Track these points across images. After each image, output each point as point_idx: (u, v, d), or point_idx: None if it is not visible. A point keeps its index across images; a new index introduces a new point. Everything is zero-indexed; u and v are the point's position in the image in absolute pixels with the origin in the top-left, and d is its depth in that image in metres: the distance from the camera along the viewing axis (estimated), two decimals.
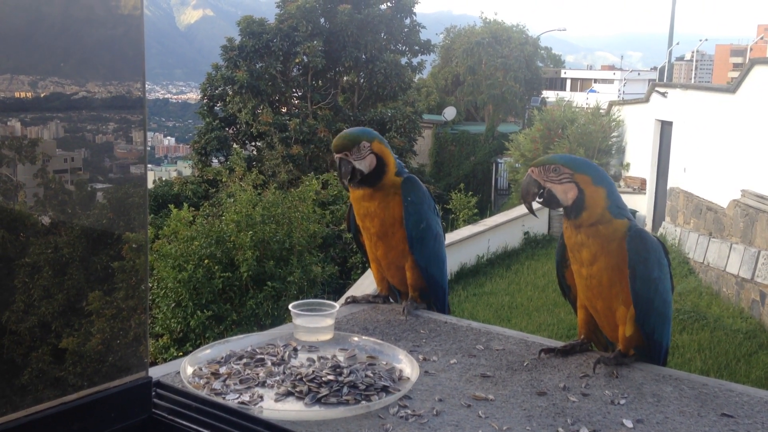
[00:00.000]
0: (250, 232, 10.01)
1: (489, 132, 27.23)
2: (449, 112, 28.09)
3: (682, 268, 11.69)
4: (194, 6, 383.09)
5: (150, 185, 18.84)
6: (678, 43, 21.99)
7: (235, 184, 12.70)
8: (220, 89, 21.60)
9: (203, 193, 18.32)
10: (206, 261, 9.79)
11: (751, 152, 10.63)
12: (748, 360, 8.17)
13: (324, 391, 1.75)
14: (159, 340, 9.81)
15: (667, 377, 2.03)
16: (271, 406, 1.71)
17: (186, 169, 28.51)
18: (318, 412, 1.70)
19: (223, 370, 1.89)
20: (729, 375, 7.59)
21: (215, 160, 21.60)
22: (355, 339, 2.10)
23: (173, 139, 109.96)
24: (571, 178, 2.04)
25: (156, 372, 1.83)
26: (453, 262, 11.63)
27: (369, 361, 1.96)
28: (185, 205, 11.88)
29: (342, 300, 2.73)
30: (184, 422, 1.30)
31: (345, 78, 22.71)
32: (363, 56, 21.77)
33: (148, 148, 1.45)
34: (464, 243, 12.31)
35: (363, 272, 11.23)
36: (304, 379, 1.80)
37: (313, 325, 2.10)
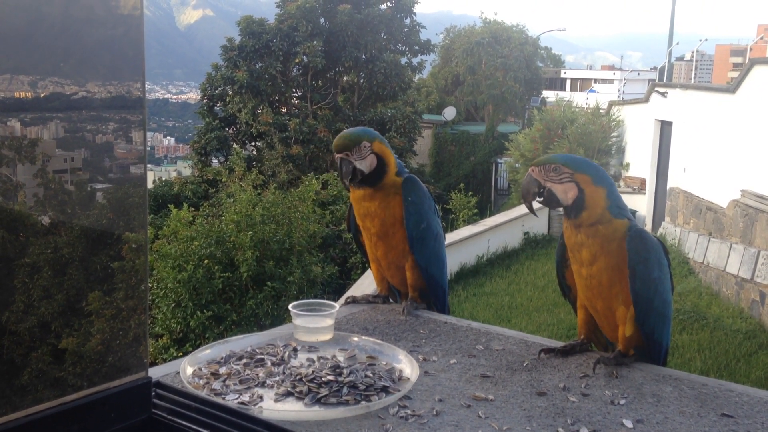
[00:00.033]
0: (250, 233, 10.01)
1: (489, 132, 27.24)
2: (449, 112, 28.09)
3: (681, 268, 11.69)
4: (194, 6, 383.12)
5: (150, 185, 18.85)
6: (678, 43, 21.99)
7: (235, 184, 12.71)
8: (219, 89, 21.59)
9: (203, 193, 18.32)
10: (206, 261, 9.79)
11: (751, 152, 10.63)
12: (748, 360, 8.17)
13: (324, 391, 1.75)
14: (159, 341, 9.81)
15: (666, 377, 2.03)
16: (271, 407, 1.71)
17: (186, 169, 28.51)
18: (318, 413, 1.70)
19: (222, 370, 1.89)
20: (729, 375, 7.59)
21: (215, 160, 21.60)
22: (355, 339, 2.10)
23: (173, 139, 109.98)
24: (572, 177, 2.04)
25: (156, 372, 1.83)
26: (453, 262, 11.63)
27: (369, 361, 1.96)
28: (185, 205, 11.88)
29: (342, 300, 2.73)
30: (184, 422, 1.30)
31: (345, 78, 22.71)
32: (363, 56, 21.77)
33: (148, 148, 1.45)
34: (464, 243, 12.31)
35: (363, 272, 11.24)
36: (303, 380, 1.80)
37: (312, 325, 2.10)
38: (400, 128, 21.05)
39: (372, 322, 2.44)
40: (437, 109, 29.94)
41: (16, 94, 1.15)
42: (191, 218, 10.58)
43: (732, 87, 11.81)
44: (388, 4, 22.45)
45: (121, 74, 1.28)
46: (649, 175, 15.37)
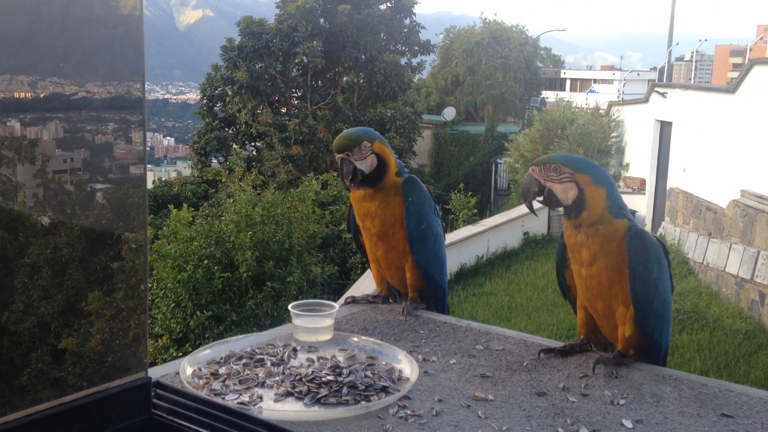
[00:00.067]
0: (250, 233, 10.01)
1: (488, 132, 27.24)
2: (449, 113, 28.09)
3: (681, 269, 11.69)
4: (194, 6, 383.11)
5: (149, 185, 18.86)
6: (677, 44, 21.99)
7: (235, 184, 12.71)
8: (219, 89, 21.59)
9: (203, 193, 18.32)
10: (206, 261, 9.79)
11: (751, 152, 10.63)
12: (748, 360, 8.17)
13: (323, 391, 1.75)
14: (158, 341, 9.80)
15: (666, 377, 2.03)
16: (271, 407, 1.71)
17: (185, 169, 28.51)
18: (317, 413, 1.70)
19: (222, 370, 1.89)
20: (728, 375, 7.59)
21: (215, 161, 21.60)
22: (355, 339, 2.10)
23: (173, 140, 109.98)
24: (572, 177, 2.04)
25: (155, 372, 1.83)
26: (452, 263, 11.63)
27: (368, 361, 1.96)
28: (185, 205, 11.89)
29: (341, 300, 2.73)
30: (184, 422, 1.30)
31: (344, 78, 22.71)
32: (363, 56, 21.76)
33: (148, 149, 1.45)
34: (464, 243, 12.31)
35: (362, 272, 11.24)
36: (303, 380, 1.80)
37: (312, 325, 2.10)
38: (399, 128, 21.05)
39: (372, 322, 2.44)
40: (437, 110, 29.94)
41: (16, 95, 1.15)
42: (191, 218, 10.58)
43: (732, 87, 11.81)
44: (388, 4, 22.45)
45: (121, 74, 1.28)
46: (649, 176, 15.38)
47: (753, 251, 9.81)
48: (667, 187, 14.07)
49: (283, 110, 21.66)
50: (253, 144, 21.97)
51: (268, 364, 1.93)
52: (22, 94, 1.16)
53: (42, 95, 1.18)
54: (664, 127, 14.70)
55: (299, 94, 21.95)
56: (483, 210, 18.41)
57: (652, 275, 2.03)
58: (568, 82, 47.61)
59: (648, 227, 14.66)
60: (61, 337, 1.25)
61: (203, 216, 11.42)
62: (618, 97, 27.41)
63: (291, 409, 1.71)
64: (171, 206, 11.51)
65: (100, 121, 1.29)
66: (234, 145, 21.33)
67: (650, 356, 2.14)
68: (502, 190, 25.48)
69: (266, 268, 10.02)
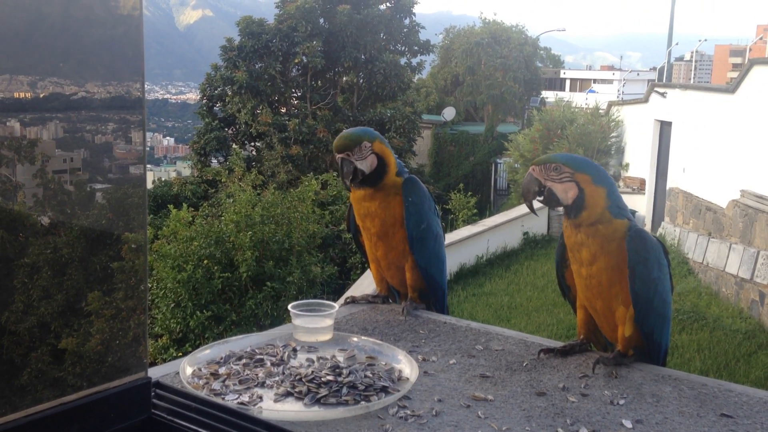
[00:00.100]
0: (250, 233, 10.01)
1: (488, 132, 27.24)
2: (448, 113, 28.09)
3: (681, 269, 11.70)
4: (193, 6, 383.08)
5: (149, 185, 18.87)
6: (677, 44, 21.99)
7: (235, 184, 12.71)
8: (219, 89, 21.59)
9: (202, 193, 18.33)
10: (205, 261, 9.79)
11: (751, 152, 10.63)
12: (748, 360, 8.18)
13: (323, 391, 1.75)
14: (158, 341, 9.81)
15: (666, 377, 2.03)
16: (271, 407, 1.71)
17: (185, 169, 28.52)
18: (317, 413, 1.70)
19: (222, 370, 1.89)
20: (728, 375, 7.59)
21: (214, 161, 21.60)
22: (355, 339, 2.10)
23: (172, 140, 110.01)
24: (572, 177, 2.04)
25: (155, 372, 1.83)
26: (452, 263, 11.63)
27: (368, 361, 1.96)
28: (184, 205, 11.89)
29: (341, 300, 2.73)
30: (184, 423, 1.30)
31: (344, 78, 22.71)
32: (362, 56, 21.76)
33: (148, 149, 1.45)
34: (463, 243, 12.31)
35: (362, 272, 11.24)
36: (303, 380, 1.80)
37: (312, 325, 2.10)
38: (399, 128, 21.05)
39: (371, 322, 2.44)
40: (437, 110, 29.94)
41: (16, 95, 1.15)
42: (191, 218, 10.58)
43: (731, 87, 11.82)
44: (388, 4, 22.45)
45: (121, 74, 1.28)
46: (649, 176, 15.38)
47: (753, 251, 9.81)
48: (667, 187, 14.07)
49: (283, 110, 21.66)
50: (252, 144, 21.97)
51: (268, 364, 1.93)
52: (22, 94, 1.16)
53: (42, 95, 1.18)
54: (664, 127, 14.71)
55: (299, 94, 21.95)
56: (483, 210, 18.41)
57: (652, 275, 2.03)
58: (567, 82, 47.63)
59: (648, 227, 14.67)
60: (61, 337, 1.25)
61: (203, 216, 11.42)
62: (618, 97, 27.41)
63: (291, 409, 1.71)
64: (171, 206, 11.51)
65: (99, 121, 1.29)
66: (234, 145, 21.33)
67: (650, 356, 2.14)
68: (501, 190, 25.49)
69: (266, 268, 10.02)
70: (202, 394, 1.72)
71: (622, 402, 1.86)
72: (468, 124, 29.49)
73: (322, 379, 1.80)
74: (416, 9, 22.85)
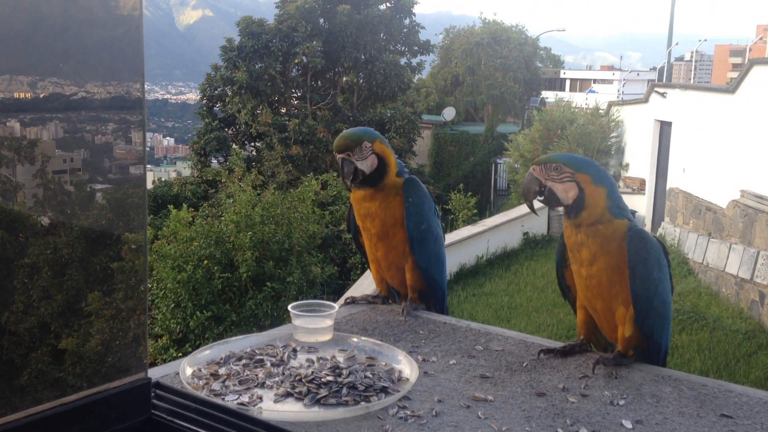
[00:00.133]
0: (250, 233, 10.01)
1: (488, 132, 27.24)
2: (448, 113, 28.09)
3: (681, 269, 11.70)
4: (193, 6, 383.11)
5: (149, 186, 18.87)
6: (677, 44, 22.00)
7: (235, 184, 12.71)
8: (219, 90, 21.59)
9: (202, 193, 18.33)
10: (205, 261, 9.79)
11: (751, 152, 10.63)
12: (748, 360, 8.18)
13: (323, 392, 1.75)
14: (158, 341, 9.80)
15: (666, 378, 2.03)
16: (271, 407, 1.71)
17: (185, 169, 28.52)
18: (317, 413, 1.70)
19: (222, 371, 1.89)
20: (728, 375, 7.59)
21: (214, 161, 21.60)
22: (355, 340, 2.10)
23: (172, 140, 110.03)
24: (572, 177, 2.05)
25: (155, 373, 1.83)
26: (452, 263, 11.63)
27: (368, 361, 1.96)
28: (184, 205, 11.88)
29: (341, 301, 2.73)
30: (184, 423, 1.30)
31: (344, 78, 22.71)
32: (362, 57, 21.77)
33: (148, 149, 1.45)
34: (463, 243, 12.31)
35: (362, 273, 11.24)
36: (303, 380, 1.80)
37: (312, 325, 2.10)
38: (399, 129, 21.05)
39: (371, 322, 2.44)
40: (437, 110, 29.95)
41: (16, 95, 1.15)
42: (191, 219, 10.58)
43: (731, 87, 11.82)
44: (388, 4, 22.45)
45: (121, 75, 1.28)
46: (649, 176, 15.38)
47: (753, 251, 9.81)
48: (667, 187, 14.08)
49: (283, 110, 21.66)
50: (252, 144, 21.97)
51: (268, 364, 1.93)
52: (22, 95, 1.16)
53: (42, 95, 1.18)
54: (664, 127, 14.71)
55: (299, 94, 21.94)
56: (483, 210, 18.42)
57: (652, 275, 2.03)
58: (567, 82, 47.64)
59: (648, 227, 14.67)
60: (61, 338, 1.25)
61: (203, 216, 11.42)
62: (618, 97, 27.42)
63: (291, 410, 1.71)
64: (171, 206, 11.51)
65: (99, 122, 1.29)
66: (234, 146, 21.33)
67: (650, 357, 2.14)
68: (501, 191, 25.49)
69: (266, 269, 10.02)
70: (202, 394, 1.72)
71: (622, 402, 1.86)
72: (468, 124, 29.49)
73: (322, 379, 1.80)
74: (416, 9, 22.85)
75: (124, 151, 1.33)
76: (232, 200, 11.36)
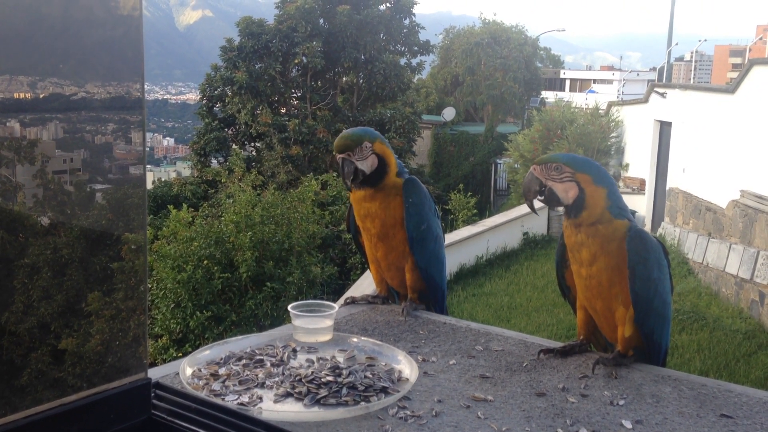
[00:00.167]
0: (250, 233, 10.01)
1: (488, 132, 27.24)
2: (448, 113, 28.09)
3: (681, 269, 11.70)
4: (193, 7, 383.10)
5: (149, 186, 18.87)
6: (677, 44, 22.00)
7: (235, 184, 12.70)
8: (219, 90, 21.59)
9: (202, 193, 18.33)
10: (205, 262, 9.79)
11: (750, 152, 10.63)
12: (748, 360, 8.18)
13: (323, 392, 1.75)
14: (158, 341, 9.80)
15: (666, 378, 2.03)
16: (271, 407, 1.71)
17: (185, 169, 28.51)
18: (317, 413, 1.70)
19: (222, 371, 1.89)
20: (728, 375, 7.59)
21: (214, 161, 21.60)
22: (354, 340, 2.10)
23: (172, 140, 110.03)
24: (573, 176, 2.05)
25: (155, 373, 1.83)
26: (452, 263, 11.62)
27: (368, 362, 1.96)
28: (184, 205, 11.88)
29: (341, 301, 2.73)
30: (184, 423, 1.30)
31: (344, 78, 22.71)
32: (362, 57, 21.77)
33: (147, 149, 1.45)
34: (463, 243, 12.31)
35: (362, 273, 11.23)
36: (303, 380, 1.80)
37: (312, 326, 2.10)
38: (399, 129, 21.05)
39: (371, 322, 2.44)
40: (436, 110, 29.95)
41: (16, 95, 1.15)
42: (190, 219, 10.58)
43: (731, 87, 11.82)
44: (387, 4, 22.45)
45: (121, 75, 1.28)
46: (649, 176, 15.38)
47: (753, 251, 9.81)
48: (667, 187, 14.08)
49: (283, 111, 21.66)
50: (252, 144, 21.97)
51: (268, 364, 1.93)
52: (22, 95, 1.16)
53: (42, 96, 1.18)
54: (664, 128, 14.71)
55: (299, 94, 21.95)
56: (482, 210, 18.42)
57: (652, 275, 2.03)
58: (567, 83, 47.66)
59: (648, 227, 14.67)
60: (60, 338, 1.25)
61: (203, 216, 11.42)
62: (617, 97, 27.42)
63: (291, 410, 1.71)
64: (171, 207, 11.51)
65: (99, 122, 1.29)
66: (233, 146, 21.34)
67: (650, 357, 2.14)
68: (501, 191, 25.49)
69: (266, 269, 10.02)
70: (202, 394, 1.72)
71: (621, 402, 1.86)
72: (468, 125, 29.49)
73: (322, 379, 1.80)
74: (416, 9, 22.85)
75: (124, 152, 1.33)
76: (232, 200, 11.36)
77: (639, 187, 15.62)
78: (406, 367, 1.91)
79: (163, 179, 22.11)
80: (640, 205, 15.15)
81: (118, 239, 1.32)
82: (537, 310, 10.04)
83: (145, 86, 1.33)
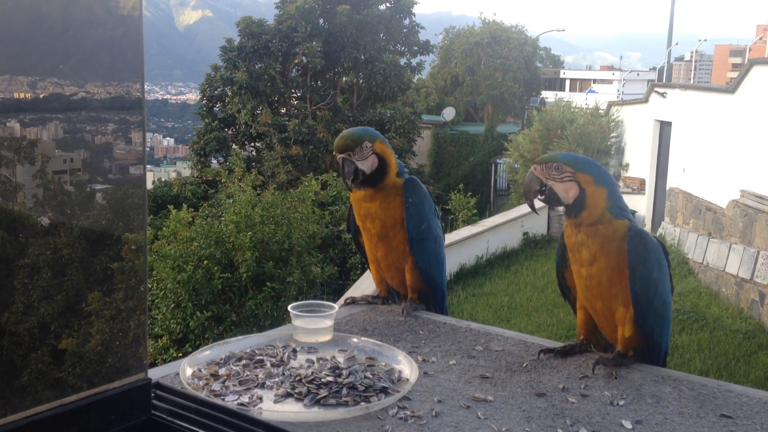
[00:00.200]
0: (250, 233, 10.01)
1: (488, 132, 27.25)
2: (448, 113, 28.09)
3: (681, 269, 11.70)
4: (193, 7, 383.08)
5: (149, 186, 18.87)
6: (677, 44, 22.00)
7: (235, 184, 12.71)
8: (219, 90, 21.60)
9: (202, 193, 18.33)
10: (205, 262, 9.79)
11: (750, 152, 10.63)
12: (748, 360, 8.17)
13: (323, 392, 1.75)
14: (158, 341, 9.80)
15: (666, 378, 2.03)
16: (271, 408, 1.71)
17: (185, 169, 28.53)
18: (317, 414, 1.70)
19: (222, 371, 1.88)
20: (728, 375, 7.59)
21: (214, 161, 21.61)
22: (354, 340, 2.10)
23: (172, 140, 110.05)
24: (573, 176, 2.05)
25: (155, 373, 1.83)
26: (452, 263, 11.62)
27: (368, 362, 1.96)
28: (184, 205, 11.89)
29: (341, 301, 2.73)
30: (184, 424, 1.30)
31: (344, 78, 22.71)
32: (362, 57, 21.77)
33: (147, 149, 1.45)
34: (463, 243, 12.31)
35: (362, 273, 11.23)
36: (303, 381, 1.80)
37: (312, 326, 2.10)
38: (399, 129, 21.05)
39: (371, 323, 2.43)
40: (436, 110, 29.95)
41: (16, 95, 1.15)
42: (191, 219, 10.58)
43: (731, 87, 11.82)
44: (387, 4, 22.45)
45: (121, 75, 1.28)
46: (649, 176, 15.38)
47: (753, 251, 9.81)
48: (667, 187, 14.08)
49: (283, 111, 21.66)
50: (252, 144, 21.98)
51: (268, 365, 1.93)
52: (22, 95, 1.16)
53: (42, 96, 1.18)
54: (664, 127, 14.71)
55: (299, 94, 21.95)
56: (482, 210, 18.42)
57: (652, 276, 2.03)
58: (567, 82, 47.66)
59: (648, 227, 14.67)
60: (61, 338, 1.25)
61: (203, 216, 11.42)
62: (617, 97, 27.44)
63: (291, 410, 1.71)
64: (171, 207, 11.51)
65: (99, 122, 1.29)
66: (233, 146, 21.34)
67: (650, 357, 2.14)
68: (501, 191, 25.49)
69: (266, 269, 10.02)
70: (202, 395, 1.72)
71: (621, 403, 1.86)
72: (468, 125, 29.50)
73: (322, 380, 1.79)
74: (416, 9, 22.85)
75: (124, 152, 1.33)
76: (232, 200, 11.35)
77: (639, 187, 15.62)
78: (406, 368, 1.91)
79: (163, 179, 22.12)
80: (640, 205, 15.15)
81: (118, 239, 1.32)
82: (537, 310, 10.04)
83: (145, 86, 1.33)
